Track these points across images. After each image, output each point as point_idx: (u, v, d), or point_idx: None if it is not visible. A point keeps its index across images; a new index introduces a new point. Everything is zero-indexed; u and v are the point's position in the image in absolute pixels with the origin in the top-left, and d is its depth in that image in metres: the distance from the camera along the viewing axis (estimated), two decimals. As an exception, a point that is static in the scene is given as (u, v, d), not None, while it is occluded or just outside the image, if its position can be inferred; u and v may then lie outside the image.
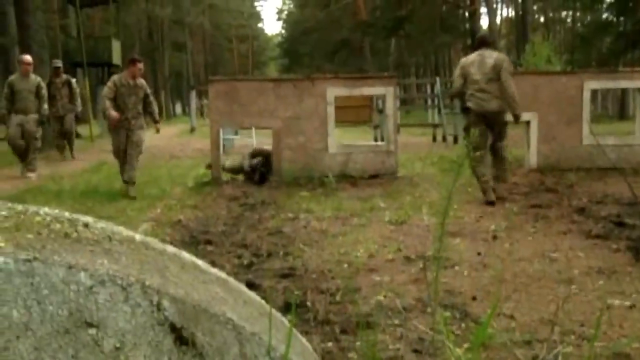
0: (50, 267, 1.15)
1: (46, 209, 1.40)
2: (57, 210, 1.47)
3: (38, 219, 1.36)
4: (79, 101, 15.96)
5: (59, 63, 15.91)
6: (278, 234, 6.55)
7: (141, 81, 9.82)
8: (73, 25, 31.08)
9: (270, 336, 1.33)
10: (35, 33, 17.71)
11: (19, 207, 1.39)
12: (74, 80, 16.32)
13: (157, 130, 10.67)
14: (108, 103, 9.53)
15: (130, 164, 9.56)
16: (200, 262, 1.53)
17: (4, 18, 22.83)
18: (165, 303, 1.23)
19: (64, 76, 15.69)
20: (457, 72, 8.50)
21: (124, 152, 9.65)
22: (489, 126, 8.23)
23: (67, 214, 1.40)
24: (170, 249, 1.50)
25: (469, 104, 8.20)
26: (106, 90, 9.69)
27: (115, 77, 9.86)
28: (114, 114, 9.33)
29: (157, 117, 10.34)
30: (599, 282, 4.71)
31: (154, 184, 10.40)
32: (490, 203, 7.96)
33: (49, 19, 33.13)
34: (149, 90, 9.99)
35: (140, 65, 9.73)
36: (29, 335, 1.12)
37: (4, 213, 1.35)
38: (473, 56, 8.37)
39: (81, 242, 1.34)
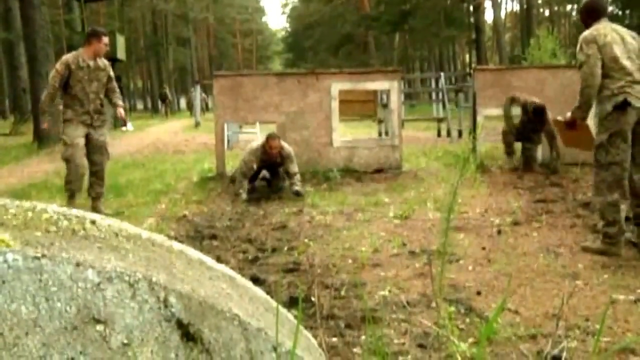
0: (58, 264, 1.16)
1: (54, 206, 1.41)
2: (63, 207, 1.47)
3: (46, 216, 1.37)
4: None
5: None
6: (283, 229, 6.56)
7: (104, 62, 7.69)
8: (77, 20, 31.07)
9: (277, 332, 1.34)
10: (40, 28, 17.73)
11: (27, 204, 1.40)
12: None
13: (124, 123, 8.77)
14: (47, 96, 7.42)
15: (99, 177, 7.60)
16: (206, 259, 1.54)
17: (9, 14, 22.86)
18: (172, 299, 1.24)
19: None
20: (590, 51, 5.37)
21: (87, 159, 7.51)
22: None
23: (74, 211, 1.41)
24: (177, 245, 1.51)
25: (628, 99, 5.28)
26: (52, 75, 7.42)
27: (69, 57, 7.52)
28: (44, 125, 7.71)
29: (122, 110, 8.08)
30: (604, 276, 4.72)
31: (158, 179, 10.41)
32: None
33: (54, 14, 33.16)
34: (112, 73, 7.87)
35: (106, 40, 7.63)
36: (37, 332, 1.13)
37: (12, 211, 1.36)
38: (605, 29, 5.49)
39: (89, 239, 1.35)
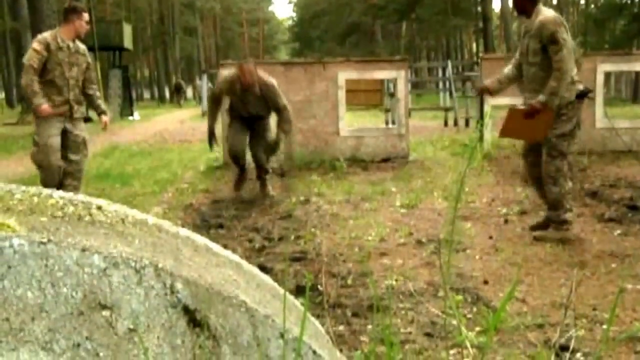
0: (64, 249, 1.15)
1: (60, 192, 1.41)
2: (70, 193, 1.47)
3: (52, 201, 1.36)
4: None
5: None
6: (289, 218, 6.55)
7: (83, 46, 6.73)
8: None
9: (284, 319, 1.33)
10: (47, 17, 17.76)
11: (33, 189, 1.40)
12: None
13: (105, 127, 7.12)
14: (34, 81, 6.31)
15: (75, 179, 6.63)
16: (213, 245, 1.54)
17: (16, 3, 22.88)
18: (179, 285, 1.24)
19: None
20: (565, 35, 5.29)
21: (63, 157, 6.52)
22: None
23: (80, 196, 1.41)
24: (183, 231, 1.51)
25: (585, 88, 5.65)
26: (31, 55, 6.37)
27: (46, 35, 6.55)
28: (45, 107, 6.31)
29: (102, 104, 7.10)
30: (612, 265, 4.70)
31: (165, 168, 10.42)
32: None
33: (61, 3, 33.17)
34: (90, 59, 6.88)
35: (87, 17, 6.69)
36: (43, 317, 1.12)
37: (18, 196, 1.35)
38: None
39: (95, 224, 1.35)
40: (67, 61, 6.47)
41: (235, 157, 7.65)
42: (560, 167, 5.41)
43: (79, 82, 6.61)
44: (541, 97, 5.23)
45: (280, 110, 7.37)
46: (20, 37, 26.14)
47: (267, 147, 7.62)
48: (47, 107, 6.31)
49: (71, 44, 6.52)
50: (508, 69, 5.82)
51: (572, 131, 5.42)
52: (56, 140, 6.45)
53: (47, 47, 6.36)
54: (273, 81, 7.43)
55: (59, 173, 6.48)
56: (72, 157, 6.58)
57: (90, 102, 6.94)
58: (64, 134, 6.54)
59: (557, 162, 5.38)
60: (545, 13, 5.41)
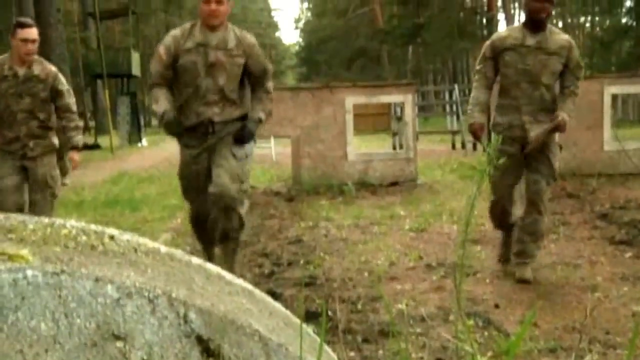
0: (77, 279, 1.15)
1: (73, 222, 1.41)
2: (82, 222, 1.48)
3: (65, 231, 1.37)
4: None
5: None
6: (298, 243, 6.55)
7: (47, 69, 5.66)
8: (93, 38, 31.45)
9: (300, 348, 1.33)
10: (57, 46, 17.93)
11: (46, 219, 1.40)
12: None
13: (74, 165, 6.13)
14: None
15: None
16: (225, 273, 1.54)
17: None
18: (192, 315, 1.23)
19: None
20: None
21: (29, 201, 5.72)
22: None
23: (93, 226, 1.41)
24: (195, 260, 1.51)
25: None
26: None
27: None
28: None
29: (76, 139, 5.89)
30: (624, 288, 4.66)
31: (173, 194, 10.42)
32: None
33: (70, 32, 33.51)
34: (63, 85, 5.74)
35: (30, 35, 5.44)
36: (57, 349, 1.12)
37: (31, 226, 1.36)
38: None
39: (108, 254, 1.35)
40: (13, 92, 5.51)
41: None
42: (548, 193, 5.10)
43: (38, 114, 5.62)
44: (565, 116, 4.91)
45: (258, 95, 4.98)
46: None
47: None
48: None
49: (21, 71, 5.51)
50: (483, 93, 5.13)
51: None
52: (11, 181, 5.61)
53: None
54: (254, 41, 4.99)
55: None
56: (33, 197, 5.72)
57: (64, 133, 5.87)
58: (26, 171, 5.71)
59: (548, 190, 5.09)
60: (558, 31, 5.14)
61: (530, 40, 4.92)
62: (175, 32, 4.92)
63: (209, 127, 4.75)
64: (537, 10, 4.84)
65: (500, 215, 5.31)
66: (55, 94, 5.69)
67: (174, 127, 4.76)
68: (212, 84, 4.72)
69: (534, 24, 4.92)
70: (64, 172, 12.08)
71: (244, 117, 4.86)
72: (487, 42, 5.24)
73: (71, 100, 5.82)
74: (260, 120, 4.85)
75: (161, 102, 4.72)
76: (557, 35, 5.01)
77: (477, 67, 5.29)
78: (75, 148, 5.98)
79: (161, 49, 4.81)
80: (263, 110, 4.87)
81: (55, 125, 5.83)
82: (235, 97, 4.83)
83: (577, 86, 5.07)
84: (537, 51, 4.90)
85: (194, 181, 4.93)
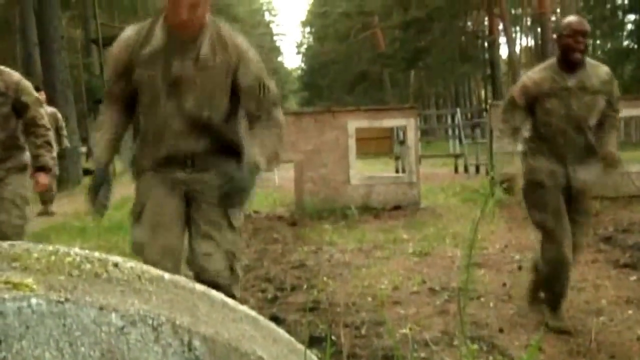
0: (81, 308, 1.16)
1: (76, 249, 1.42)
2: (86, 250, 1.48)
3: (69, 259, 1.37)
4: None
5: None
6: (302, 267, 6.53)
7: (8, 79, 4.79)
8: (96, 64, 31.66)
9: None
10: (60, 72, 18.01)
11: (50, 248, 1.41)
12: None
13: (40, 187, 5.08)
14: None
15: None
16: (229, 300, 1.54)
17: (29, 59, 23.24)
18: (196, 342, 1.24)
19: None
20: None
21: None
22: None
23: (97, 253, 1.42)
24: (199, 287, 1.51)
25: None
26: None
27: None
28: None
29: (45, 158, 4.98)
30: (629, 312, 4.64)
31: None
32: None
33: (73, 58, 33.75)
34: (29, 96, 4.88)
35: None
36: (61, 377, 1.12)
37: (35, 255, 1.36)
38: None
39: (112, 282, 1.35)
40: None
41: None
42: None
43: (2, 129, 4.80)
44: (614, 150, 4.44)
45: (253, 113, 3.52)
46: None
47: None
48: None
49: None
50: (508, 144, 4.53)
51: None
52: None
53: None
54: (250, 47, 3.63)
55: None
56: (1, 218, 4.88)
57: (30, 151, 5.04)
58: None
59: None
60: (596, 63, 4.58)
61: (572, 81, 4.32)
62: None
63: (186, 161, 3.39)
64: (573, 48, 4.25)
65: (558, 264, 4.40)
66: (20, 106, 4.85)
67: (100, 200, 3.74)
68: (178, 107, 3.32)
69: (571, 64, 4.31)
70: (49, 199, 11.73)
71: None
72: (516, 87, 4.57)
73: (40, 112, 4.96)
74: (258, 167, 3.20)
75: (99, 140, 3.71)
76: (597, 69, 4.45)
77: (503, 115, 4.59)
78: (42, 169, 5.02)
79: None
80: (264, 148, 3.26)
81: (23, 143, 5.01)
82: (222, 124, 3.36)
83: (617, 119, 4.50)
84: (580, 92, 4.31)
85: (163, 218, 3.57)
